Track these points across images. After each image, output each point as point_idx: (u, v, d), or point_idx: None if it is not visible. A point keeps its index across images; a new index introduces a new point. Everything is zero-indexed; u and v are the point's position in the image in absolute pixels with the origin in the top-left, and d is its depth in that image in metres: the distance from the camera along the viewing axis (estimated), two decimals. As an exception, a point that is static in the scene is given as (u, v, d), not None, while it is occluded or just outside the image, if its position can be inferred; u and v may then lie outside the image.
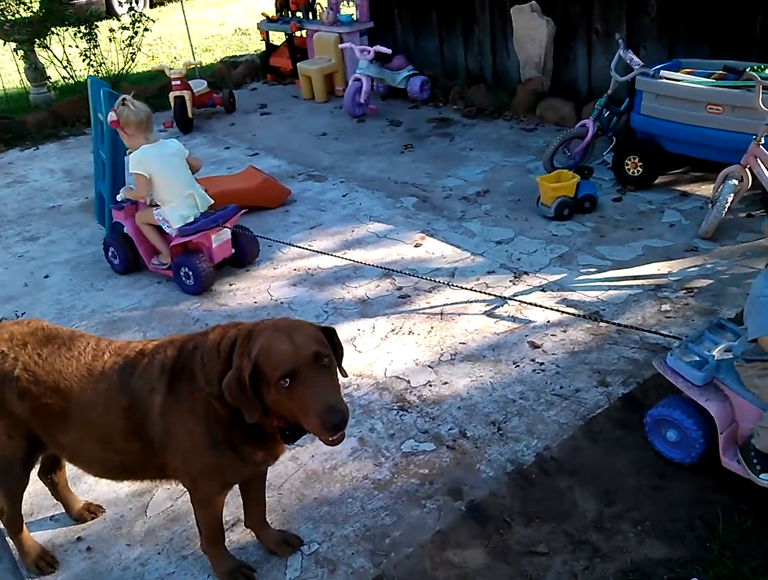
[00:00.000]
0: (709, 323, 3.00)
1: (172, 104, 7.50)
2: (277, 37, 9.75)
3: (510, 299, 4.05)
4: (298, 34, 8.86)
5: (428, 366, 3.65)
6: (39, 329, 2.47)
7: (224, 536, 2.57)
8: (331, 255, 4.40)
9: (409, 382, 3.55)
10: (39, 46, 8.51)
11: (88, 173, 6.18)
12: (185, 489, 2.45)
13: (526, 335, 3.81)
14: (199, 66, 8.84)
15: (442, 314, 4.09)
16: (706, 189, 5.17)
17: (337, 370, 2.16)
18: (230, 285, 4.61)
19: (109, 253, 4.87)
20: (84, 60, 8.51)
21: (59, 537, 2.83)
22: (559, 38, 6.81)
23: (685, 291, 4.05)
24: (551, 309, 3.79)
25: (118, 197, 4.66)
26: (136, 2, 10.29)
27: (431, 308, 4.15)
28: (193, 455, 2.26)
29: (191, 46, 9.39)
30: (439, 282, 4.16)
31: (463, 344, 3.80)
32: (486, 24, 7.44)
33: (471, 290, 3.96)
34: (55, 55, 8.65)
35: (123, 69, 8.86)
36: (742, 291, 3.97)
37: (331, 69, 8.31)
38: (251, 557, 2.67)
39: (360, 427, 3.27)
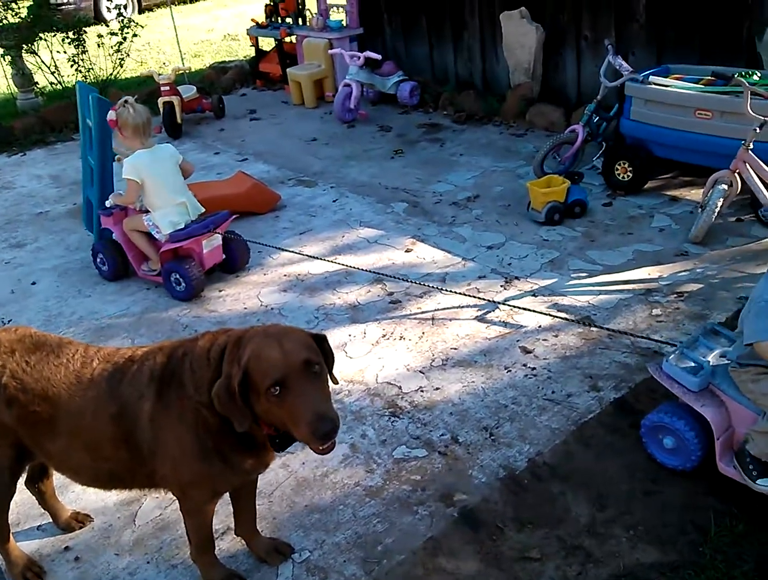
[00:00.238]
0: (704, 328, 2.99)
1: (161, 110, 7.47)
2: (267, 43, 9.75)
3: (501, 303, 4.04)
4: (287, 39, 8.85)
5: (420, 372, 3.64)
6: (27, 336, 2.44)
7: (214, 544, 2.54)
8: (323, 260, 4.37)
9: (400, 388, 3.53)
10: (27, 52, 8.46)
11: (76, 179, 6.15)
12: (174, 498, 2.42)
13: (518, 340, 3.81)
14: (188, 71, 8.83)
15: (433, 319, 4.08)
16: (695, 194, 5.20)
17: (328, 377, 2.14)
18: (220, 291, 4.59)
19: (98, 260, 4.83)
20: (72, 66, 8.47)
21: (47, 547, 2.80)
22: (549, 44, 6.83)
23: (675, 295, 4.06)
24: (542, 314, 3.78)
25: (107, 203, 4.63)
26: (125, 8, 10.26)
27: (422, 313, 4.14)
28: (182, 464, 2.24)
29: (180, 51, 9.37)
30: (430, 287, 4.15)
31: (455, 349, 3.79)
32: (476, 30, 7.46)
33: (462, 294, 3.95)
34: (42, 61, 8.60)
35: (111, 74, 8.82)
36: (732, 295, 3.99)
37: (320, 75, 8.31)
38: (241, 565, 2.65)
39: (351, 433, 3.25)
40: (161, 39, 13.05)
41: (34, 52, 8.48)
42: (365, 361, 3.76)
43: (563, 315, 3.90)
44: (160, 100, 7.45)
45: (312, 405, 1.96)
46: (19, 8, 8.53)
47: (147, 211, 4.46)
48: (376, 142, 7.04)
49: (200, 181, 5.83)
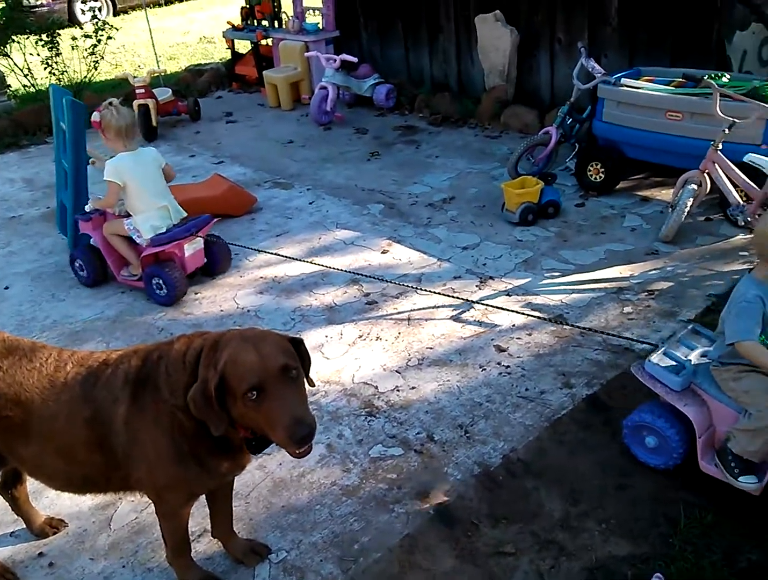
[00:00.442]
0: (685, 328, 3.02)
1: (136, 112, 7.40)
2: (243, 46, 9.72)
3: (476, 303, 4.09)
4: (263, 42, 8.85)
5: (396, 371, 3.66)
6: (-1, 341, 2.42)
7: (190, 546, 2.54)
8: (299, 261, 4.39)
9: (377, 387, 3.55)
10: (-1, 54, 8.38)
11: (50, 182, 6.09)
12: (150, 501, 2.42)
13: (492, 339, 3.85)
14: (163, 74, 8.77)
15: (409, 319, 4.11)
16: (666, 194, 5.28)
17: (305, 380, 2.15)
18: (195, 294, 4.58)
19: (76, 266, 4.76)
20: (46, 68, 8.39)
21: (20, 553, 2.78)
22: (523, 47, 6.90)
23: (646, 293, 4.12)
24: (517, 313, 3.82)
25: (87, 208, 4.57)
26: (99, 10, 10.18)
27: (398, 313, 4.17)
28: (157, 467, 2.24)
29: (155, 54, 9.32)
30: (406, 287, 4.18)
31: (431, 348, 3.82)
32: (451, 33, 7.51)
33: (438, 294, 3.98)
34: (15, 63, 8.51)
35: (86, 77, 8.75)
36: (701, 293, 4.06)
37: (297, 77, 8.31)
38: (218, 567, 2.65)
39: (328, 433, 3.27)
40: (136, 41, 12.97)
41: (6, 55, 8.38)
42: (342, 361, 3.78)
43: (537, 314, 3.95)
44: (135, 103, 7.40)
45: (289, 410, 1.97)
46: (-9, 11, 8.44)
47: (127, 216, 4.44)
48: (352, 145, 7.06)
49: (176, 184, 5.79)
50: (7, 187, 6.73)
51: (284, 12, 9.05)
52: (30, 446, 2.33)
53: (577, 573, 2.50)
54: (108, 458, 2.27)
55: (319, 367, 3.70)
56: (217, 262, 4.73)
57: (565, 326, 3.78)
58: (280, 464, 3.10)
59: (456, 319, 4.06)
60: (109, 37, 8.46)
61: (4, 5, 8.41)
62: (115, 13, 15.43)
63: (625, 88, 5.25)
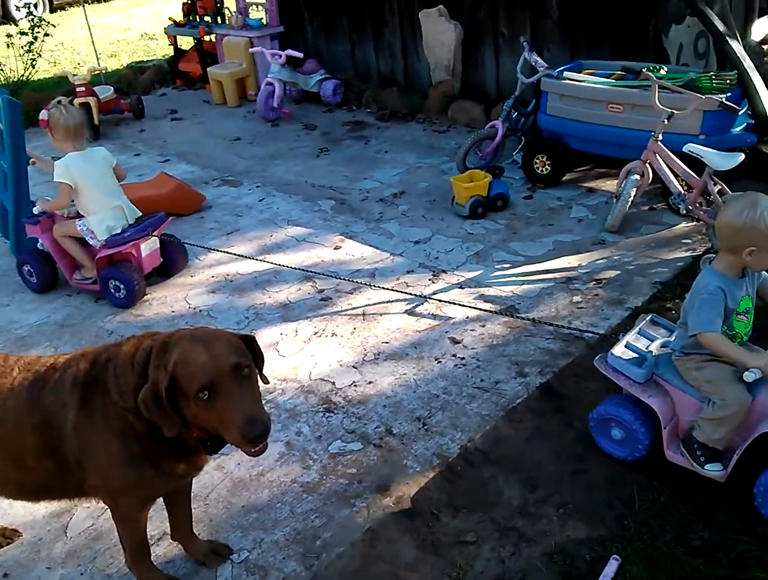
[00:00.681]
0: (643, 319, 3.05)
1: (77, 111, 7.24)
2: (186, 42, 9.58)
3: (429, 297, 4.12)
4: (207, 38, 8.72)
5: (352, 367, 3.67)
6: (-58, 348, 2.35)
7: (150, 550, 2.50)
8: (252, 259, 4.35)
9: (334, 383, 3.55)
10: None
11: (-11, 185, 5.90)
12: (106, 506, 2.38)
13: (447, 332, 3.89)
14: (104, 72, 8.58)
15: (364, 314, 4.12)
16: (610, 184, 5.41)
17: (258, 378, 2.14)
18: (146, 295, 4.49)
19: (25, 271, 4.59)
20: (-21, 67, 8.12)
21: (-28, 566, 2.70)
22: (467, 42, 6.96)
23: (594, 282, 4.22)
24: (469, 306, 3.88)
25: (35, 210, 4.40)
26: (35, 7, 9.87)
27: (353, 309, 4.18)
28: (111, 472, 2.20)
29: (95, 51, 9.10)
30: (360, 283, 4.19)
31: (386, 343, 3.83)
32: (396, 28, 7.54)
33: (391, 289, 4.00)
34: (-54, 62, 8.22)
35: (23, 75, 8.50)
36: (647, 280, 4.18)
37: (242, 73, 8.22)
38: (179, 570, 2.62)
39: (286, 431, 3.26)
40: (75, 39, 12.63)
41: (-63, 53, 8.09)
42: (298, 359, 3.76)
43: (489, 306, 4.00)
44: (76, 102, 7.19)
45: (242, 409, 1.95)
46: None
47: (77, 217, 4.32)
48: (301, 141, 7.03)
49: (122, 183, 5.68)
50: (-57, 191, 6.49)
51: (227, 7, 8.96)
52: (-22, 456, 2.26)
53: (537, 558, 2.55)
54: (60, 464, 2.22)
55: (275, 365, 3.69)
56: (173, 262, 4.64)
57: (516, 318, 3.84)
58: (239, 463, 3.07)
59: (410, 313, 4.09)
60: (46, 34, 8.24)
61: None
62: (52, 10, 14.99)
63: (568, 81, 5.35)
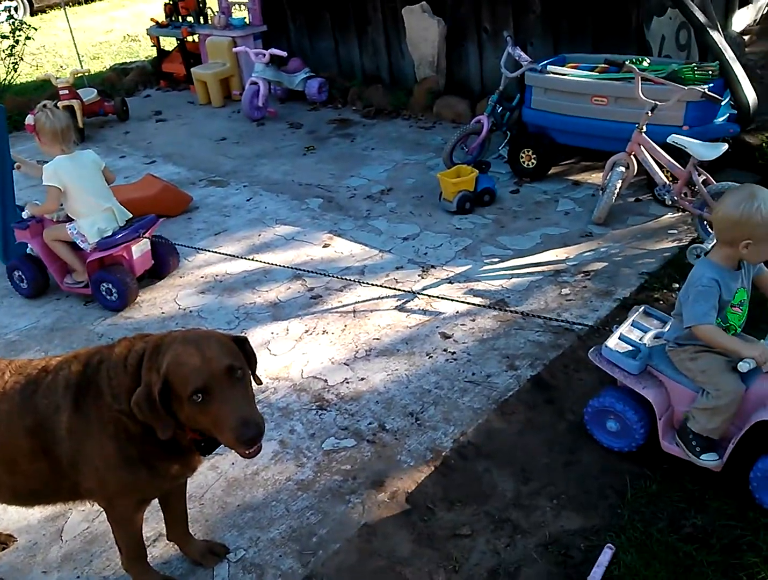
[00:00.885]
0: (636, 311, 3.06)
1: (61, 114, 7.20)
2: (169, 43, 9.54)
3: (419, 293, 4.14)
4: (190, 39, 8.69)
5: (344, 364, 3.68)
6: (-68, 354, 2.34)
7: (146, 552, 2.50)
8: (241, 258, 4.35)
9: (326, 381, 3.56)
10: None
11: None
12: (101, 508, 2.38)
13: (437, 327, 3.90)
14: (87, 74, 8.53)
15: (354, 311, 4.12)
16: (596, 177, 5.44)
17: (251, 379, 2.14)
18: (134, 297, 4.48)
19: (15, 277, 4.56)
20: (-40, 71, 8.06)
21: (-33, 572, 2.69)
22: (451, 38, 6.98)
23: (582, 275, 4.25)
24: (459, 301, 3.89)
25: (24, 215, 4.37)
26: (16, 10, 9.80)
27: (343, 306, 4.18)
28: (105, 474, 2.19)
29: (78, 54, 9.05)
30: (349, 280, 4.20)
31: (377, 339, 3.85)
32: (379, 25, 7.54)
33: (381, 286, 4.01)
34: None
35: (5, 79, 8.44)
36: (634, 271, 4.21)
37: (226, 73, 8.20)
38: (176, 570, 2.62)
39: (280, 430, 3.26)
40: (57, 42, 12.55)
41: None
42: (289, 357, 3.77)
43: (479, 300, 4.02)
44: (60, 105, 7.11)
45: (236, 411, 1.96)
46: None
47: (66, 220, 4.30)
48: (287, 140, 7.02)
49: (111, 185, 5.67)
50: (-74, 197, 6.43)
51: (209, 7, 8.93)
52: (-29, 461, 2.26)
53: (532, 549, 2.57)
54: (54, 467, 2.22)
55: (267, 364, 3.69)
56: (165, 264, 4.63)
57: (506, 311, 3.86)
58: (233, 463, 3.08)
59: (401, 309, 4.10)
60: (28, 38, 8.18)
61: None
62: (33, 13, 14.88)
63: (552, 75, 5.37)
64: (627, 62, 4.94)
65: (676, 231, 4.63)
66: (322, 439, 3.19)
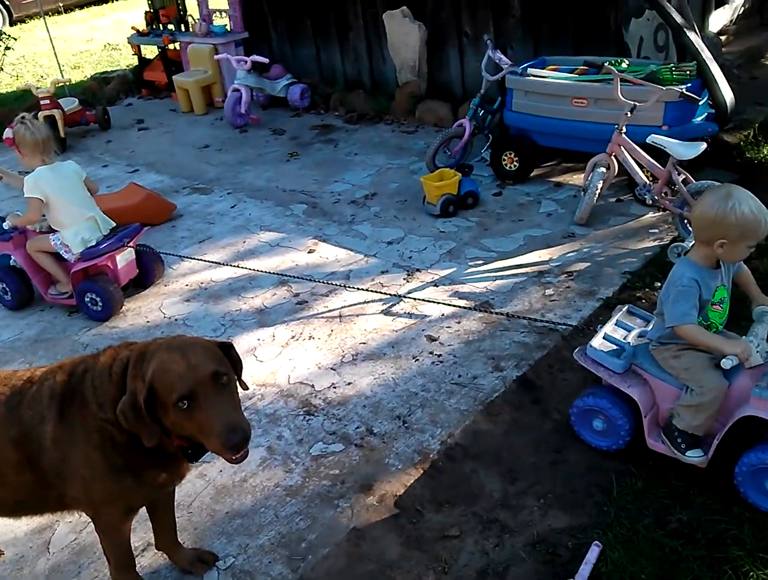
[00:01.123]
0: (620, 310, 3.09)
1: (42, 124, 7.17)
2: (150, 51, 9.51)
3: (405, 296, 4.15)
4: (171, 46, 8.68)
5: (331, 369, 3.69)
6: None
7: (134, 561, 2.50)
8: (226, 265, 4.35)
9: (313, 386, 3.57)
10: None
11: (-46, 202, 5.82)
12: (89, 519, 2.37)
13: (423, 330, 3.92)
14: (68, 83, 8.48)
15: (340, 316, 4.13)
16: (577, 178, 5.48)
17: (237, 385, 2.14)
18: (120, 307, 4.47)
19: None
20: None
21: (-46, 587, 2.68)
22: (432, 42, 7.01)
23: (565, 275, 4.28)
24: (444, 303, 3.91)
25: (5, 226, 4.34)
26: (-6, 20, 9.75)
27: (329, 311, 4.19)
28: (92, 484, 2.19)
29: (58, 63, 9.01)
30: (335, 285, 4.21)
31: (364, 343, 3.86)
32: (360, 30, 7.56)
33: (367, 290, 4.03)
34: None
35: (-16, 90, 8.39)
36: (617, 271, 4.25)
37: (208, 80, 8.19)
38: None
39: (267, 436, 3.26)
40: (37, 51, 12.47)
41: None
42: (276, 363, 3.77)
43: (464, 303, 4.04)
44: (41, 115, 7.12)
45: (222, 416, 1.96)
46: None
47: (49, 231, 4.27)
48: (270, 146, 7.02)
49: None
50: None
51: (190, 15, 8.91)
52: (-45, 474, 2.24)
53: (520, 548, 2.59)
54: (40, 478, 2.21)
55: (254, 370, 3.69)
56: (150, 273, 4.61)
57: (492, 313, 3.88)
58: (221, 470, 3.07)
59: (386, 313, 4.12)
60: (7, 48, 8.13)
61: None
62: (12, 23, 14.78)
63: (532, 77, 5.41)
64: (606, 64, 4.99)
65: (657, 230, 4.68)
66: (310, 444, 3.19)
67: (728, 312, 2.73)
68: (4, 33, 8.30)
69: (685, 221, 4.39)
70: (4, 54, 8.19)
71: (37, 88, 7.29)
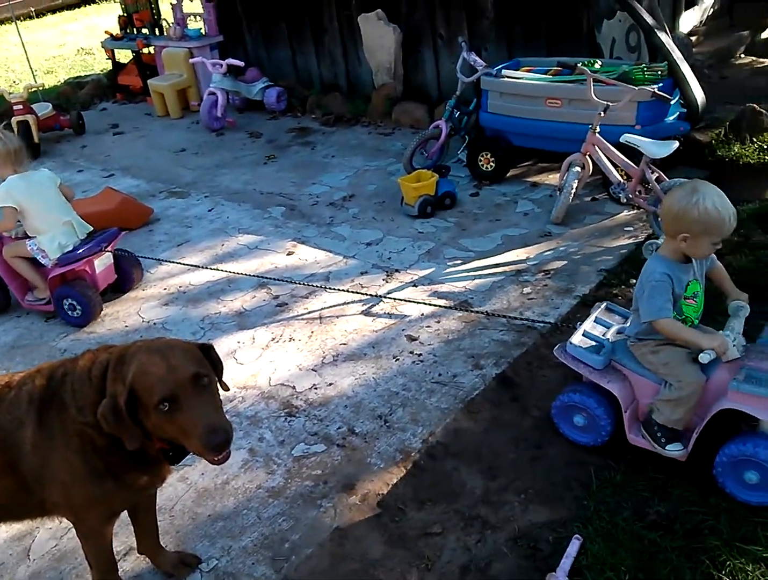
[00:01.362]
0: (598, 307, 3.12)
1: (16, 130, 7.09)
2: (124, 55, 9.45)
3: (384, 297, 4.17)
4: (145, 50, 8.63)
5: (312, 370, 3.69)
6: None
7: (117, 566, 2.48)
8: (205, 268, 4.33)
9: (294, 387, 3.57)
10: None
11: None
12: (70, 524, 2.35)
13: (403, 329, 3.94)
14: (41, 88, 8.42)
15: (320, 317, 4.14)
16: (553, 178, 5.54)
17: (218, 386, 2.14)
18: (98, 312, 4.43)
19: None
20: None
21: (-68, 596, 2.64)
22: (407, 44, 7.04)
23: (543, 274, 4.32)
24: (424, 303, 3.94)
25: None
26: (-36, 25, 9.63)
27: (309, 313, 4.20)
28: (72, 488, 2.17)
29: (31, 68, 8.92)
30: (315, 287, 4.21)
31: (344, 344, 3.86)
32: (336, 33, 7.58)
33: (347, 291, 4.03)
34: None
35: (-45, 96, 8.27)
36: (593, 269, 4.30)
37: (183, 84, 8.16)
38: (148, 584, 2.61)
39: (249, 438, 3.26)
40: (8, 56, 12.35)
41: None
42: (256, 365, 3.77)
43: (443, 303, 4.07)
44: (14, 120, 7.07)
45: (203, 418, 1.96)
46: None
47: (25, 237, 4.23)
48: (247, 149, 7.01)
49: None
50: None
51: (164, 19, 8.87)
52: (-67, 481, 2.22)
53: (502, 544, 2.61)
54: (19, 483, 2.19)
55: (234, 373, 3.68)
56: (128, 277, 4.58)
57: (470, 311, 3.91)
58: (203, 473, 3.07)
59: (366, 313, 4.13)
60: (-22, 53, 8.02)
61: None
62: (-19, 27, 14.62)
63: (507, 79, 5.46)
64: (579, 65, 5.04)
65: (631, 228, 4.74)
66: (292, 445, 3.19)
67: (703, 307, 2.78)
68: (-25, 38, 8.20)
69: (659, 219, 4.45)
70: (-25, 59, 8.09)
71: (10, 93, 7.24)
